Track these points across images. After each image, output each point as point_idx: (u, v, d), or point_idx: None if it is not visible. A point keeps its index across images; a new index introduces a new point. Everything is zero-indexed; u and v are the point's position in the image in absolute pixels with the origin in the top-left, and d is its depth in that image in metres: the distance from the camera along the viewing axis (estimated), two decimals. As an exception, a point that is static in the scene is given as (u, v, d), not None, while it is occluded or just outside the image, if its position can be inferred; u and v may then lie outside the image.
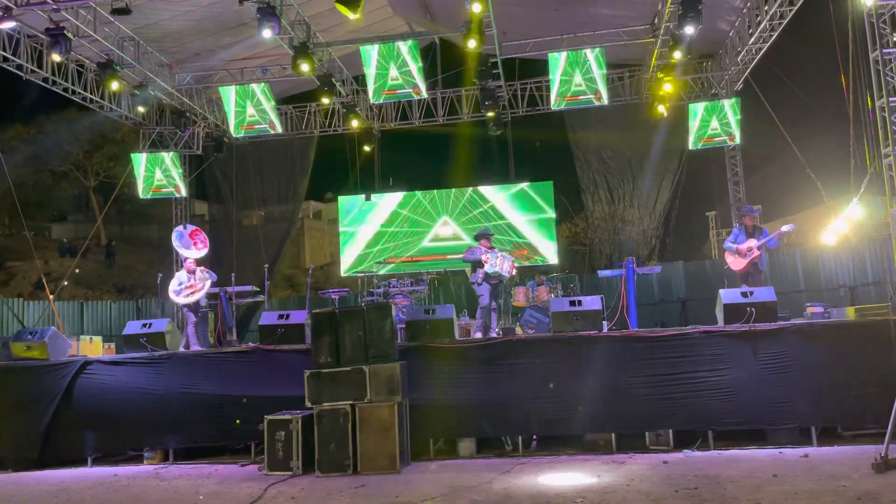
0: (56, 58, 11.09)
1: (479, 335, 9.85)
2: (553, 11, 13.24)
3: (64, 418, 8.56)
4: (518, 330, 10.86)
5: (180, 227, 13.01)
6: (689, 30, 10.94)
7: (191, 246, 12.36)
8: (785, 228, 9.59)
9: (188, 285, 10.95)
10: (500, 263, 10.04)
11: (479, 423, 7.90)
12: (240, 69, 14.26)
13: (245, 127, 14.27)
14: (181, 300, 11.02)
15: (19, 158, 29.00)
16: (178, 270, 11.81)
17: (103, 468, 8.38)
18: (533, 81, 15.07)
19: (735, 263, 9.81)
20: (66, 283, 20.23)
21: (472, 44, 11.31)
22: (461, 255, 10.86)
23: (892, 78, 7.39)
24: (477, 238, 10.57)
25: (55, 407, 8.54)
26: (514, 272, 10.46)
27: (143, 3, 11.28)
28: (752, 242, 9.63)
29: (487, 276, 10.09)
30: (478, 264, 10.15)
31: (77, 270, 23.24)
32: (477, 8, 10.46)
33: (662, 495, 5.67)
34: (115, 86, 12.37)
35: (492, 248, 10.31)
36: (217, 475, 7.61)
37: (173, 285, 11.12)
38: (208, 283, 11.01)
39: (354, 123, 14.97)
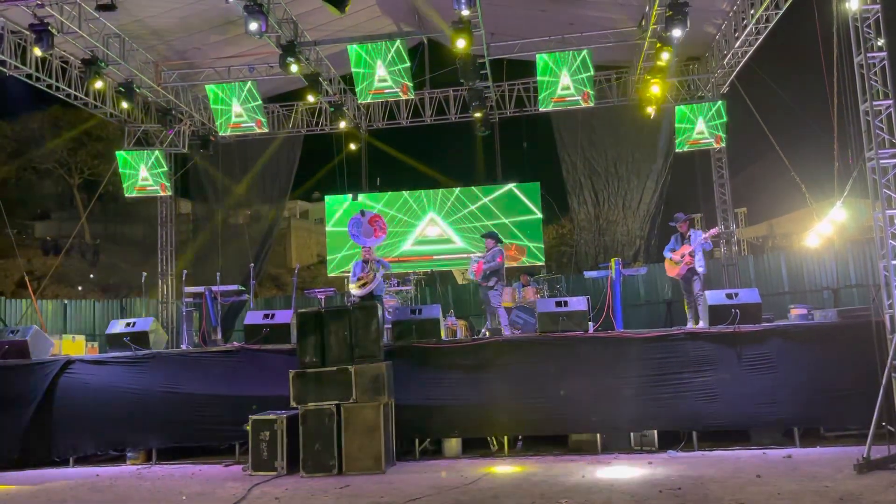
0: (38, 52, 10.97)
1: (506, 332, 10.10)
2: (540, 12, 13.26)
3: (45, 418, 8.49)
4: None
5: (357, 216, 12.34)
6: (676, 32, 11.04)
7: (372, 233, 11.65)
8: (712, 231, 10.10)
9: (361, 276, 10.46)
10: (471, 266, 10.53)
11: (465, 423, 7.92)
12: (226, 67, 14.17)
13: (231, 125, 14.14)
14: (355, 292, 10.49)
15: (2, 156, 28.85)
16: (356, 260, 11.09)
17: (85, 468, 8.33)
18: (520, 82, 15.04)
19: (671, 270, 10.18)
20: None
21: (461, 43, 11.29)
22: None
23: (877, 82, 7.44)
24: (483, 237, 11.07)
25: (36, 406, 8.48)
26: (478, 276, 10.60)
27: (128, 0, 11.19)
28: (686, 249, 9.97)
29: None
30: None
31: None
32: (465, 10, 10.44)
33: (647, 495, 5.69)
34: (98, 84, 12.29)
35: (495, 246, 10.67)
36: (201, 475, 7.57)
37: (352, 276, 10.68)
38: (381, 273, 10.56)
39: (342, 123, 14.92)
